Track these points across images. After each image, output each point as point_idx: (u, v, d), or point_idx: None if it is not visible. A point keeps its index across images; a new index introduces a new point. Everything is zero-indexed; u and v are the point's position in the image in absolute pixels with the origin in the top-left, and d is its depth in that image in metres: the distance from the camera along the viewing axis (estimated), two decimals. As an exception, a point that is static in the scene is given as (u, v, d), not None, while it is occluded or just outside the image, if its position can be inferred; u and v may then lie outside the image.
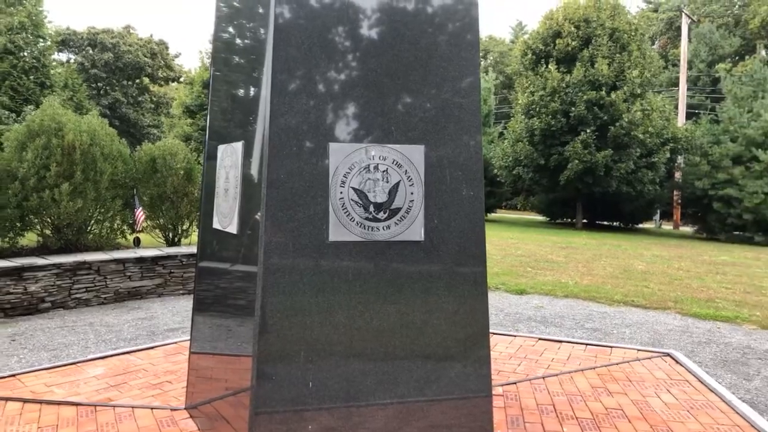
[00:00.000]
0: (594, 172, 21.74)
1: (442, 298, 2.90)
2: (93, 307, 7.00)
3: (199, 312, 3.67)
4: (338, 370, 2.74)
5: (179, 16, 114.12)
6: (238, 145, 3.07)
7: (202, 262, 3.67)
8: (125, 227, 8.58)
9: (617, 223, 26.55)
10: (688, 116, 30.37)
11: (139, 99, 41.04)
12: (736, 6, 44.53)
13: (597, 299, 8.06)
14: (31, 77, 24.63)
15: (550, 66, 22.85)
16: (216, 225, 3.34)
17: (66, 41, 39.17)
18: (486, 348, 2.98)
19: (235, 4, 3.60)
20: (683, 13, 31.12)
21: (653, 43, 42.86)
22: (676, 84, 32.94)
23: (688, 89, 32.26)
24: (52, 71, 26.41)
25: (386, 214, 2.80)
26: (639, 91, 22.15)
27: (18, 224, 7.38)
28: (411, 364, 2.84)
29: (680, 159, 24.25)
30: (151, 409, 3.63)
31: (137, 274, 7.53)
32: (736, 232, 20.91)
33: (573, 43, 22.91)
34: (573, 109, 21.76)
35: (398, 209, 2.82)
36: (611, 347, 5.29)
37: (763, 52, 30.96)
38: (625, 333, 6.23)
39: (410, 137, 2.85)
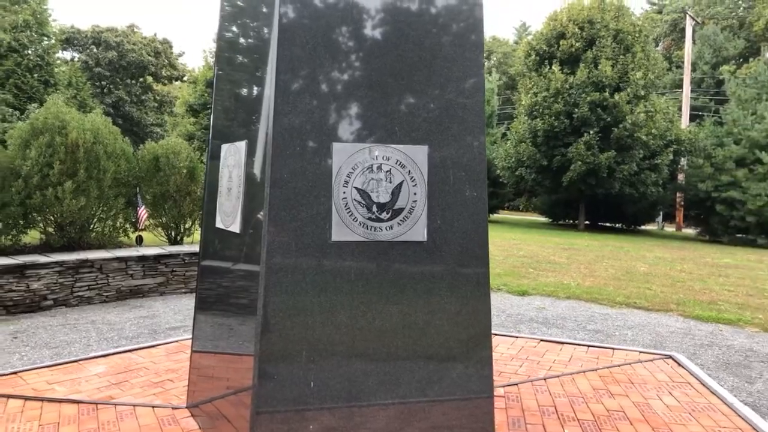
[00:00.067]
0: (597, 173, 21.70)
1: (444, 298, 2.90)
2: (95, 305, 7.02)
3: (201, 311, 3.67)
4: (340, 370, 2.74)
5: (183, 16, 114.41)
6: (242, 145, 3.07)
7: (205, 261, 3.67)
8: (128, 225, 8.58)
9: (620, 225, 26.50)
10: (692, 118, 30.31)
11: (143, 98, 41.16)
12: (741, 8, 44.47)
13: (599, 301, 8.04)
14: (35, 75, 24.73)
15: (553, 67, 22.82)
16: (219, 224, 3.34)
17: (70, 39, 39.32)
18: (488, 349, 2.97)
19: (239, 3, 3.60)
20: (687, 15, 31.04)
21: (657, 45, 42.85)
22: (680, 86, 32.88)
23: (691, 91, 32.19)
24: (56, 69, 26.50)
25: (389, 215, 2.79)
26: (642, 93, 22.11)
27: (21, 222, 7.38)
28: (413, 365, 2.84)
29: (683, 161, 24.20)
30: (153, 407, 3.64)
31: (139, 273, 7.54)
32: (739, 235, 20.87)
33: (577, 44, 22.88)
34: (576, 110, 21.72)
35: (401, 209, 2.81)
36: (613, 349, 5.28)
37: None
38: (627, 335, 6.22)
39: (414, 137, 2.85)
